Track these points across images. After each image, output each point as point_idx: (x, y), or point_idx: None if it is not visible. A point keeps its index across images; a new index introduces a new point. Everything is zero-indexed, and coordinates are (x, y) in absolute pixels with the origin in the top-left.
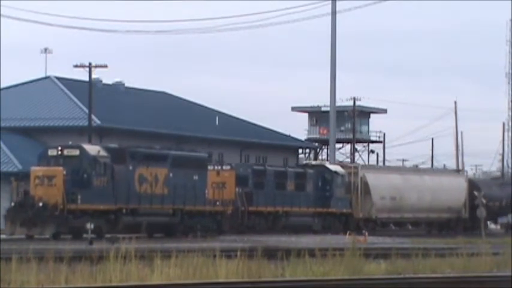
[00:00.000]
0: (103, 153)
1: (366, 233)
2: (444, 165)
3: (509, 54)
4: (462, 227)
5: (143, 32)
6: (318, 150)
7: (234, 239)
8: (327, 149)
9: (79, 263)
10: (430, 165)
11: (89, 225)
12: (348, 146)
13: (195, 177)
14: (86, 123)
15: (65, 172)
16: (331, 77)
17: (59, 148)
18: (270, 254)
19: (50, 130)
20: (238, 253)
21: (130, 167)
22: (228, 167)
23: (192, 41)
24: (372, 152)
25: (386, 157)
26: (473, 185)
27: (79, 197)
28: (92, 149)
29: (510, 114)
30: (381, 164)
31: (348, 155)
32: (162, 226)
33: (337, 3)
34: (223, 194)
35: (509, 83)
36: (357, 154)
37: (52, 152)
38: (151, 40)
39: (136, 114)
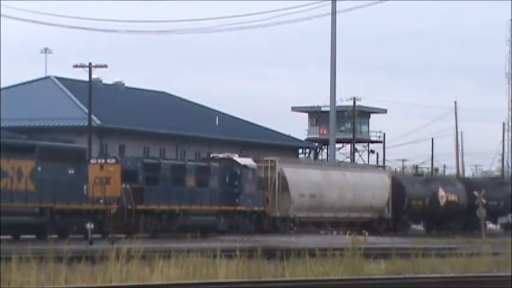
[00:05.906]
0: None
1: (366, 233)
2: (365, 163)
3: (509, 54)
4: (385, 227)
5: (143, 32)
6: (318, 150)
7: (234, 239)
8: (327, 149)
9: (79, 263)
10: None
11: (89, 225)
12: (348, 146)
13: (71, 171)
14: (86, 123)
15: None
16: (331, 77)
17: None
18: (270, 254)
19: (50, 130)
20: (238, 253)
21: None
22: (113, 160)
23: (192, 41)
24: (372, 152)
25: (387, 157)
26: (396, 182)
27: None
28: None
29: (510, 114)
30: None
31: (348, 155)
32: (27, 227)
33: (337, 3)
34: (107, 190)
35: (509, 83)
36: (357, 154)
37: None
38: (151, 40)
39: (136, 114)
